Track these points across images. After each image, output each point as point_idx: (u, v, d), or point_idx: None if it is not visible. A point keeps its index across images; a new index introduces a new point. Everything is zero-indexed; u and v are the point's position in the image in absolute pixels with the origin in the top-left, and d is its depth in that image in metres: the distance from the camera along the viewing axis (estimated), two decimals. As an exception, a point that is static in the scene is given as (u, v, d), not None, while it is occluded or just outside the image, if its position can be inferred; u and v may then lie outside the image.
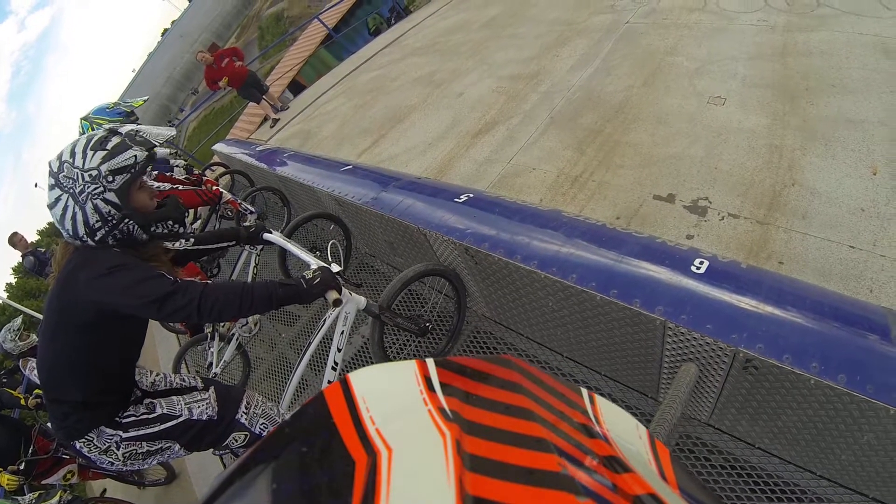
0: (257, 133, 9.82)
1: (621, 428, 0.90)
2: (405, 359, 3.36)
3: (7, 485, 4.03)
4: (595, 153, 4.10)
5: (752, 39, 4.88)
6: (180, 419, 2.24)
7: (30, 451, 4.24)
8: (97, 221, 1.89)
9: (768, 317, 1.97)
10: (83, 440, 2.05)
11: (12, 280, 39.09)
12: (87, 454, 2.08)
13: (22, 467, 4.10)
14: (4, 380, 6.39)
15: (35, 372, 5.84)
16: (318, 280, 2.24)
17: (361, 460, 0.61)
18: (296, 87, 15.64)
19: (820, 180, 3.15)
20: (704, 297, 2.13)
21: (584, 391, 0.96)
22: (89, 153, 1.87)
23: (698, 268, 2.25)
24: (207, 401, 2.37)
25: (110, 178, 1.88)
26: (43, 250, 7.24)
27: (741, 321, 2.00)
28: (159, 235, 2.11)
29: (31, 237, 7.71)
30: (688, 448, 2.48)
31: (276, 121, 9.19)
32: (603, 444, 0.79)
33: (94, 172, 1.86)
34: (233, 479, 0.61)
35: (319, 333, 2.77)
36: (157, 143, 2.07)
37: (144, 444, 2.16)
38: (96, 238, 1.92)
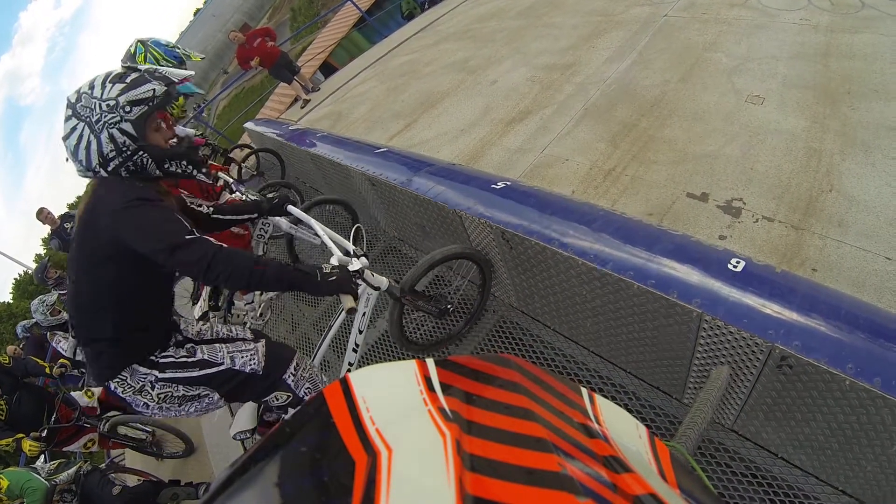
0: (287, 113, 9.87)
1: (621, 428, 0.93)
2: (422, 337, 3.38)
3: (29, 451, 4.13)
4: (629, 147, 4.07)
5: (794, 38, 4.79)
6: (221, 367, 2.25)
7: (52, 419, 4.34)
8: (111, 151, 1.93)
9: (804, 320, 1.96)
10: (117, 380, 2.07)
11: (41, 251, 39.89)
12: (121, 395, 2.11)
13: (44, 434, 4.20)
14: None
15: (61, 343, 6.00)
16: (333, 278, 2.16)
17: (361, 460, 0.63)
18: (327, 69, 15.66)
19: (858, 187, 3.11)
20: (741, 295, 2.12)
21: (584, 391, 0.98)
22: (108, 85, 1.91)
23: (735, 266, 2.24)
24: (253, 352, 2.37)
25: (128, 109, 1.92)
26: (68, 227, 7.34)
27: (777, 320, 1.99)
28: (172, 173, 2.12)
29: (61, 209, 7.80)
30: (709, 453, 2.47)
31: (306, 102, 9.21)
32: (603, 444, 0.81)
33: (112, 102, 1.90)
34: (234, 478, 0.62)
35: (341, 315, 2.78)
36: (175, 80, 2.10)
37: (181, 387, 2.17)
38: (109, 168, 1.95)
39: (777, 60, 4.52)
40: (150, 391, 2.11)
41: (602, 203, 3.59)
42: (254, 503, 0.60)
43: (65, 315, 6.58)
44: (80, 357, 6.01)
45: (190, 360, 2.20)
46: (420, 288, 3.13)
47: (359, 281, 2.39)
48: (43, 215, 7.25)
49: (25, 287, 34.46)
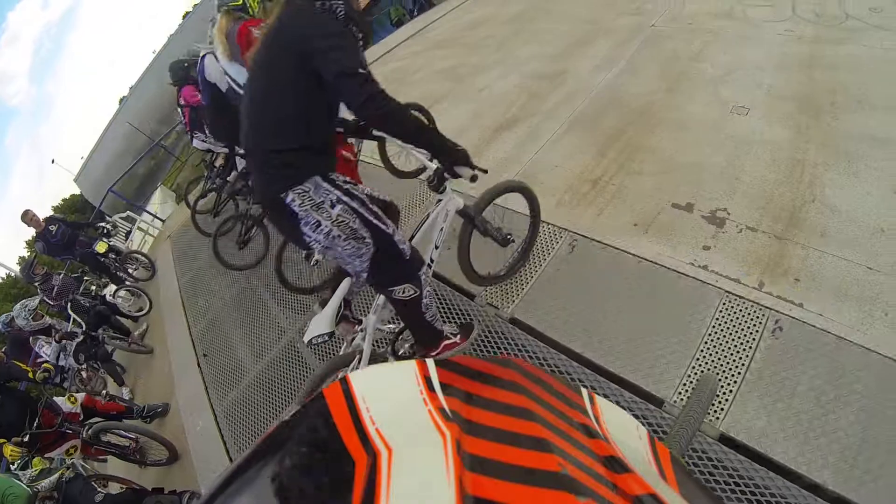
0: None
1: (621, 428, 0.91)
2: (483, 265, 3.41)
3: (10, 456, 4.08)
4: (616, 156, 4.11)
5: (779, 49, 4.86)
6: (388, 230, 2.35)
7: (35, 425, 4.29)
8: None
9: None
10: (299, 190, 2.14)
11: (25, 254, 39.54)
12: (296, 208, 2.15)
13: (26, 440, 4.15)
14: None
15: (44, 348, 5.93)
16: (460, 148, 2.34)
17: (361, 460, 0.62)
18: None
19: (841, 198, 3.16)
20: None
21: (585, 391, 0.97)
22: None
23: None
24: (404, 240, 2.47)
25: None
26: (53, 230, 7.32)
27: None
28: None
29: (46, 212, 7.82)
30: (692, 462, 2.49)
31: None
32: (603, 444, 0.79)
33: None
34: (232, 478, 0.61)
35: (423, 227, 2.83)
36: None
37: (358, 221, 2.26)
38: None
39: (762, 71, 4.58)
40: (330, 210, 2.18)
41: (589, 212, 3.62)
42: (253, 503, 0.60)
43: (48, 319, 6.52)
44: (62, 362, 5.97)
45: (370, 206, 2.30)
46: None
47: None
48: (28, 217, 7.21)
49: (8, 290, 34.12)
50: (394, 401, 0.78)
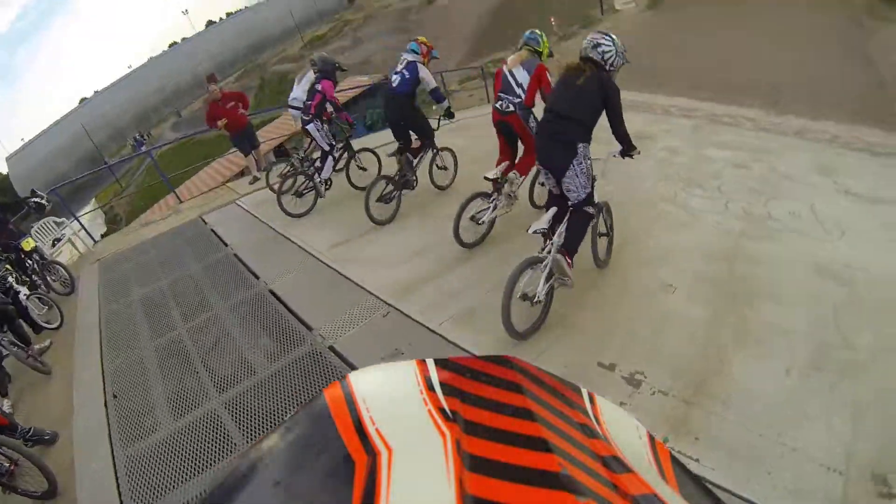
0: (235, 183, 10.35)
1: (621, 428, 0.93)
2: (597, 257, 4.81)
3: None
4: (553, 312, 4.42)
5: (709, 238, 5.46)
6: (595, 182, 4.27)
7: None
8: (611, 62, 4.03)
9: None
10: (585, 144, 4.01)
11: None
12: (579, 150, 3.97)
13: None
14: None
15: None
16: (635, 146, 4.23)
17: (361, 460, 0.63)
18: (280, 153, 16.02)
19: (744, 374, 3.59)
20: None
21: (584, 391, 0.98)
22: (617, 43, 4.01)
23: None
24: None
25: (622, 60, 4.08)
26: None
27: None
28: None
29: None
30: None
31: (256, 179, 9.44)
32: (603, 444, 0.80)
33: (621, 50, 4.03)
34: (234, 478, 0.64)
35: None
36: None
37: (591, 170, 4.14)
38: (607, 66, 4.01)
39: (693, 256, 5.14)
40: (587, 161, 4.04)
41: (529, 354, 4.00)
42: (253, 503, 0.62)
43: None
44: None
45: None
46: None
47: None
48: None
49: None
50: (394, 401, 0.79)
